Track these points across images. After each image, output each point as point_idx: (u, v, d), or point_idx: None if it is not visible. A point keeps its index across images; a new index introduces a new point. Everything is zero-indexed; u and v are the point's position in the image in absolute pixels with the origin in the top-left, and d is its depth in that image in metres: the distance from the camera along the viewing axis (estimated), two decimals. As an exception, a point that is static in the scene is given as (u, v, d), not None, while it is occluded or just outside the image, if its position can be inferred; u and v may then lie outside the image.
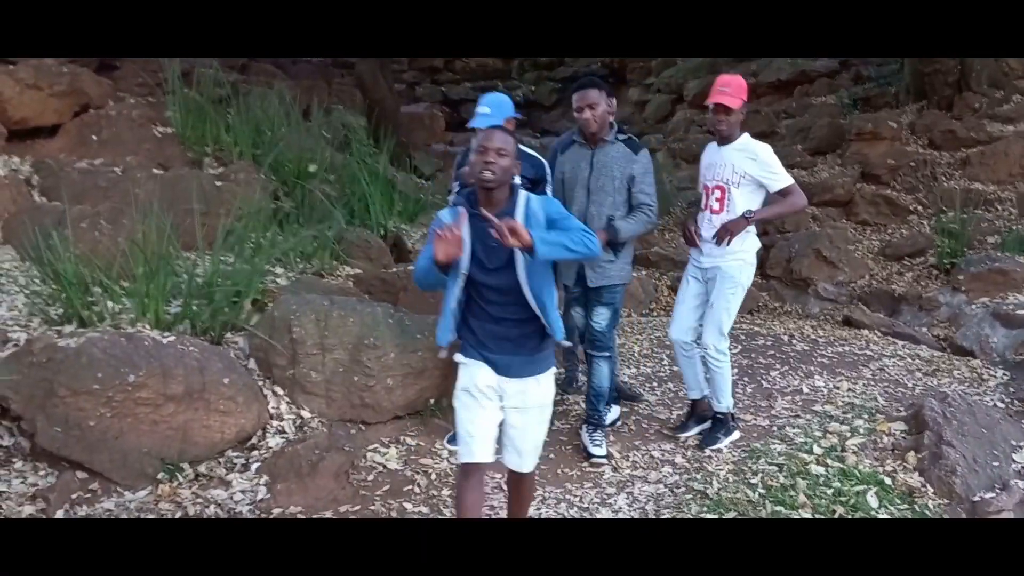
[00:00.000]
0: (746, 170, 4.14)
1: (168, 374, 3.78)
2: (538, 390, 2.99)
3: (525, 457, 3.02)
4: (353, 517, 3.63)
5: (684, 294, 4.44)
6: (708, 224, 4.27)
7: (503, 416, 2.97)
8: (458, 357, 2.99)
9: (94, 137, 6.85)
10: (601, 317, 4.28)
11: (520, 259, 2.80)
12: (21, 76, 6.53)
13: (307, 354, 4.28)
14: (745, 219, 4.14)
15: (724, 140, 4.22)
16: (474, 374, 2.93)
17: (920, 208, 9.46)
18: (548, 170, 4.31)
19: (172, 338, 4.04)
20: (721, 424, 4.43)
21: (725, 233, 4.13)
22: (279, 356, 4.34)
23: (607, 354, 4.35)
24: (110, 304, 4.36)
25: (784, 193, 4.17)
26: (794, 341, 6.57)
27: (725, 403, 4.41)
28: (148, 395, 3.72)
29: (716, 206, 4.24)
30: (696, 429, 4.54)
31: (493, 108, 4.03)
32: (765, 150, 4.16)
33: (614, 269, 4.22)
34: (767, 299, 8.60)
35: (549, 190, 4.27)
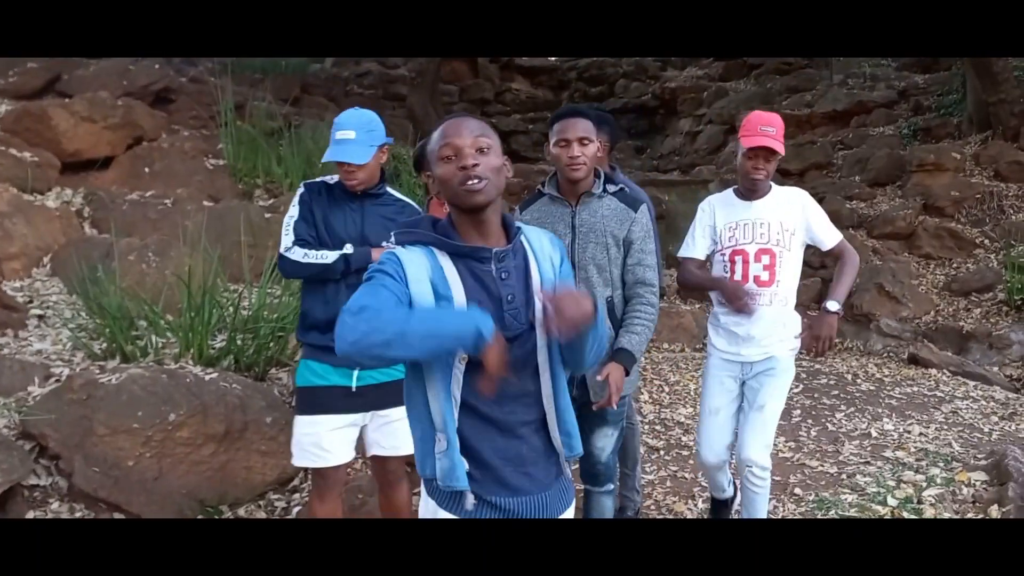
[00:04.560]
0: (797, 226, 3.23)
1: (209, 412, 3.67)
2: None
3: None
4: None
5: (717, 400, 3.34)
6: (766, 304, 3.23)
7: None
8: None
9: (146, 169, 6.89)
10: (606, 441, 3.03)
11: (540, 322, 1.81)
12: (76, 109, 6.61)
13: (352, 392, 4.14)
14: (836, 315, 3.13)
15: (753, 193, 3.27)
16: None
17: (987, 242, 9.10)
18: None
19: (215, 374, 3.94)
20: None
21: (815, 343, 3.14)
22: (323, 394, 4.21)
23: (611, 487, 3.16)
24: (155, 338, 4.28)
25: (836, 252, 3.30)
26: (859, 380, 6.28)
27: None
28: (188, 434, 3.62)
29: (765, 276, 3.20)
30: None
31: (360, 131, 2.89)
32: (810, 198, 3.34)
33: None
34: (827, 335, 8.29)
35: None
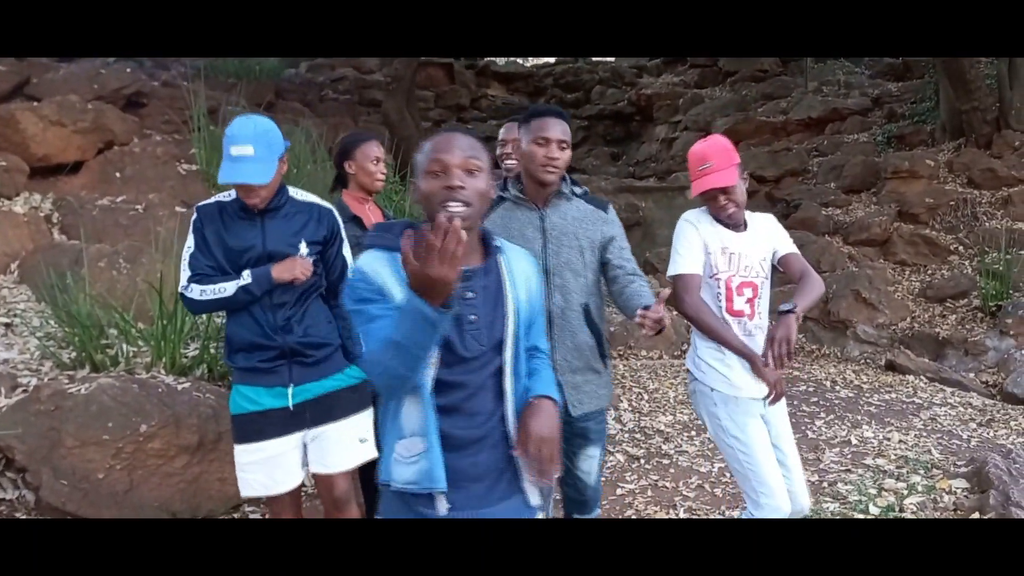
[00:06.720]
0: (768, 253, 2.96)
1: (181, 423, 3.58)
2: None
3: None
4: None
5: (764, 437, 2.88)
6: (744, 336, 2.88)
7: None
8: None
9: (117, 174, 6.75)
10: (591, 464, 2.80)
11: (511, 337, 1.81)
12: (45, 113, 6.45)
13: (329, 401, 4.06)
14: (795, 316, 2.62)
15: (736, 225, 2.91)
16: None
17: (961, 248, 9.19)
18: (339, 223, 2.89)
19: (187, 384, 3.84)
20: None
21: (785, 349, 2.56)
22: (299, 403, 4.13)
23: (598, 512, 2.96)
24: (126, 347, 4.18)
25: (797, 268, 2.93)
26: (837, 387, 6.29)
27: None
28: (160, 446, 3.52)
29: (747, 310, 2.88)
30: None
31: (259, 144, 2.58)
32: (775, 221, 3.07)
33: (603, 386, 2.81)
34: (804, 341, 8.32)
35: (347, 252, 2.90)
